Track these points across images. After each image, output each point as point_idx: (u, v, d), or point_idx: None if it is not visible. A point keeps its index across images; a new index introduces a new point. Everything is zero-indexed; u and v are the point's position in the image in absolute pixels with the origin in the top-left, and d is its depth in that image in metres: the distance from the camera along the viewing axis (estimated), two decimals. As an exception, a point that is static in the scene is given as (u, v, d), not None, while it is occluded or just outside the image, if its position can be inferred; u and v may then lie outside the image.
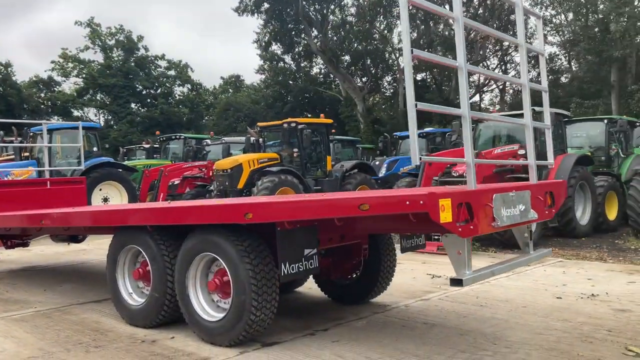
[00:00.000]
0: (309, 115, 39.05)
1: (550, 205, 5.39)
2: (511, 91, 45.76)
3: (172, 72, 53.57)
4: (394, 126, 38.17)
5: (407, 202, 3.84)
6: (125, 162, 20.51)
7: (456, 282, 4.17)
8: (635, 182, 11.89)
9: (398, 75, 43.26)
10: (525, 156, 11.34)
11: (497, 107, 33.77)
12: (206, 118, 54.98)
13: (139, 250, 6.12)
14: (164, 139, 22.59)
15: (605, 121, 14.95)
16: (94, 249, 12.54)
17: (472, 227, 4.15)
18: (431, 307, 6.54)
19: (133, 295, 6.23)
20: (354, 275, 6.64)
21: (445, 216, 3.85)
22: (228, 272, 5.15)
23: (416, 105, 3.93)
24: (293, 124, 16.17)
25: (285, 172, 15.42)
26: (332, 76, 48.03)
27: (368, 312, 6.36)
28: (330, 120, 17.45)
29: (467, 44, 39.69)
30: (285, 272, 4.95)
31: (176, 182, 17.98)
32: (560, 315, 5.98)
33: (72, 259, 11.29)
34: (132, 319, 6.08)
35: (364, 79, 45.86)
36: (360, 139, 28.69)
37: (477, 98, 47.40)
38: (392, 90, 46.91)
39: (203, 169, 18.29)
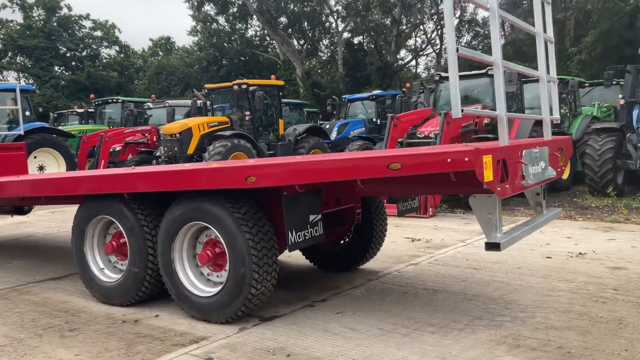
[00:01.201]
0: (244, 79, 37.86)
1: (561, 163, 5.15)
2: (445, 56, 46.18)
3: (98, 33, 50.56)
4: (333, 90, 37.75)
5: (449, 160, 3.44)
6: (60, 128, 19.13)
7: (493, 246, 3.85)
8: (591, 142, 12.04)
9: (336, 39, 42.69)
10: (488, 117, 11.26)
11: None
12: (136, 82, 52.57)
13: (111, 221, 5.48)
14: (100, 102, 21.21)
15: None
16: (35, 221, 11.59)
17: (507, 186, 3.82)
18: (424, 271, 6.27)
19: (105, 271, 5.60)
20: (343, 242, 6.25)
21: (488, 174, 3.49)
22: (223, 243, 4.64)
23: (457, 50, 3.49)
24: (244, 86, 15.46)
25: (238, 136, 14.77)
26: (268, 39, 46.86)
27: (361, 279, 6.01)
28: (281, 82, 16.86)
29: (405, 6, 39.68)
30: (293, 240, 4.49)
31: (117, 149, 16.96)
32: (559, 276, 5.84)
33: (15, 233, 10.34)
34: (106, 297, 5.47)
35: (301, 42, 44.99)
36: (307, 102, 28.07)
37: (413, 62, 47.66)
38: (329, 54, 46.34)
39: (146, 134, 17.33)
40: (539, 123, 12.45)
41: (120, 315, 5.15)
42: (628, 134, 11.91)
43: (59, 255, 8.01)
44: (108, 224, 5.61)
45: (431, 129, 10.97)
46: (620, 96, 13.14)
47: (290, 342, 4.28)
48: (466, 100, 13.02)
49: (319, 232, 4.74)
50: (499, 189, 3.66)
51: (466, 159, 3.38)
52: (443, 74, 12.86)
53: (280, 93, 17.12)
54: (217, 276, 4.90)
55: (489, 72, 11.79)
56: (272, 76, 17.28)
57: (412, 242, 7.91)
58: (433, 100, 12.89)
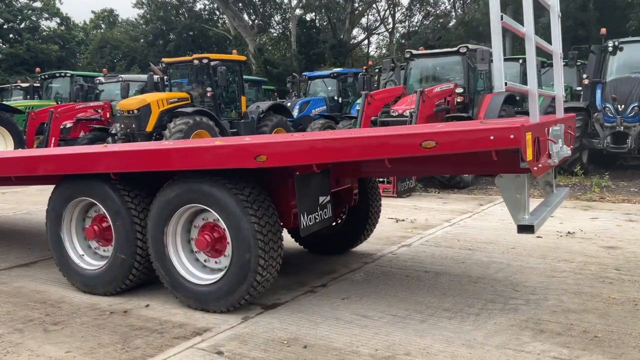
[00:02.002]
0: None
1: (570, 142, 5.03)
2: (397, 35, 46.27)
3: (37, 4, 47.99)
4: (286, 67, 37.15)
5: (492, 137, 3.21)
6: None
7: (526, 228, 3.67)
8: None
9: (288, 15, 41.97)
10: (461, 95, 11.18)
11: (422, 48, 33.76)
12: (78, 56, 50.31)
13: (91, 203, 5.04)
14: (46, 76, 20.00)
15: (520, 61, 15.15)
16: (-14, 203, 10.82)
17: (540, 165, 3.63)
18: (419, 253, 6.09)
19: (85, 257, 5.16)
20: (336, 224, 5.99)
21: (529, 153, 3.29)
22: (224, 228, 4.30)
23: (502, 17, 3.23)
24: (205, 61, 14.85)
25: (199, 113, 14.20)
26: (218, 13, 45.66)
27: (357, 262, 5.78)
28: (243, 58, 16.33)
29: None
30: (305, 224, 4.20)
31: (68, 125, 16.05)
32: (556, 256, 5.77)
33: (-35, 216, 9.60)
34: (88, 285, 5.03)
35: (252, 17, 44.03)
36: (266, 79, 27.46)
37: (366, 42, 47.49)
38: (281, 31, 45.56)
39: (99, 110, 16.48)
40: (507, 101, 12.51)
41: (106, 306, 4.74)
42: (595, 114, 12.07)
43: (22, 239, 7.45)
44: (88, 207, 5.15)
45: (405, 107, 10.78)
46: (584, 76, 13.33)
47: (302, 332, 4.00)
48: (435, 78, 12.91)
49: (328, 214, 4.47)
50: (535, 168, 3.47)
51: (511, 136, 3.15)
52: (414, 52, 12.67)
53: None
54: (216, 262, 4.56)
55: (461, 50, 11.67)
56: (234, 51, 16.73)
57: (396, 222, 7.73)
58: (404, 78, 12.69)
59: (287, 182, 4.59)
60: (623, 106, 11.59)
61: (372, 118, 11.01)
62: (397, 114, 10.85)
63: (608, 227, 7.04)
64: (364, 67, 20.39)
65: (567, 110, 12.21)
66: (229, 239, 4.43)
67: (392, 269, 5.53)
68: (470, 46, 11.90)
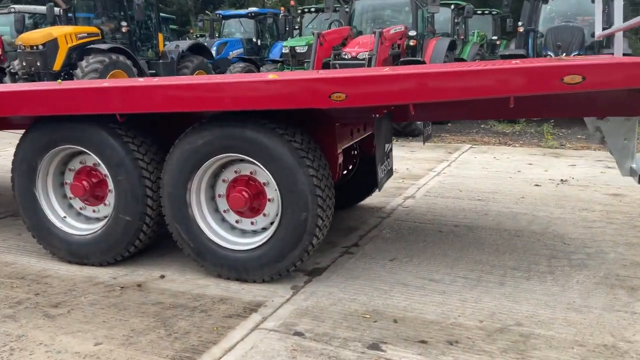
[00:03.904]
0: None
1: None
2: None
3: None
4: (181, 7, 34.96)
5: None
6: None
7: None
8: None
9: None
10: (413, 38, 10.74)
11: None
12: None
13: (76, 153, 4.05)
14: None
15: (452, 7, 14.97)
16: None
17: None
18: (431, 205, 5.65)
19: (68, 220, 4.17)
20: (347, 176, 5.37)
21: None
22: (274, 181, 3.55)
23: None
24: (119, -9, 13.21)
25: (116, 50, 12.70)
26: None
27: (372, 218, 5.23)
28: (161, -10, 14.68)
29: None
30: (380, 177, 3.55)
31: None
32: (574, 205, 5.57)
33: None
34: (76, 254, 4.08)
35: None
36: (174, 16, 25.36)
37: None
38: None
39: (-12, 46, 14.29)
40: (452, 47, 12.26)
41: (108, 279, 3.86)
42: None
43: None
44: (69, 157, 4.14)
45: (359, 49, 10.15)
46: (519, 23, 13.36)
47: (377, 303, 3.42)
48: (381, 21, 12.35)
49: (391, 164, 3.84)
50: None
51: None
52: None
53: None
54: (252, 223, 3.82)
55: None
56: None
57: (379, 171, 7.22)
58: (348, 18, 12.00)
59: (333, 127, 3.90)
60: (565, 54, 11.72)
61: (324, 60, 10.27)
62: (350, 56, 10.20)
63: (593, 174, 7.00)
64: (285, 7, 19.32)
65: (507, 57, 12.29)
66: (270, 196, 3.70)
67: (416, 223, 5.05)
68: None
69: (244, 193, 3.69)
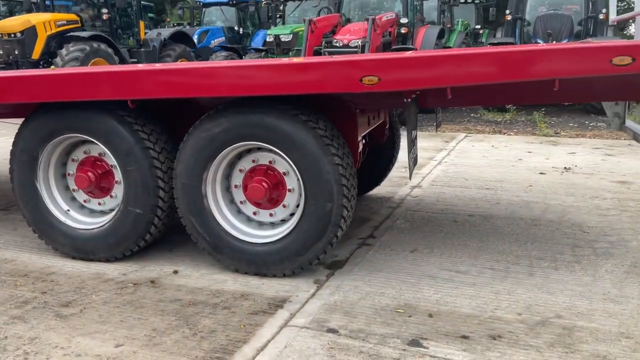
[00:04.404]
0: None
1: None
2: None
3: None
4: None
5: None
6: None
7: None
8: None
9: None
10: (405, 25, 10.60)
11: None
12: None
13: (80, 142, 3.82)
14: None
15: (438, -6, 14.84)
16: None
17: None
18: (439, 195, 5.53)
19: (71, 213, 3.94)
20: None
21: None
22: (296, 171, 3.37)
23: None
24: (99, -23, 12.80)
25: (96, 38, 12.29)
26: None
27: (382, 208, 5.09)
28: (142, -24, 14.30)
29: None
30: (410, 164, 3.39)
31: None
32: (583, 193, 5.49)
33: None
34: (82, 250, 3.86)
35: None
36: (152, 4, 24.75)
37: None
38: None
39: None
40: (441, 35, 12.15)
41: (117, 275, 3.65)
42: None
43: None
44: (72, 147, 3.90)
45: (350, 37, 9.98)
46: (507, 11, 13.31)
47: (408, 297, 3.28)
48: (370, 9, 12.18)
49: (416, 152, 3.69)
50: None
51: None
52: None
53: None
54: (271, 215, 3.63)
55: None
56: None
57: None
58: (337, 5, 11.80)
59: (354, 113, 3.74)
60: (555, 42, 11.71)
61: (315, 48, 10.07)
62: (341, 44, 10.01)
63: (595, 161, 6.96)
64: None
65: (496, 44, 12.22)
66: (291, 186, 3.53)
67: (428, 213, 4.92)
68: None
69: (263, 183, 3.50)
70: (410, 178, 3.67)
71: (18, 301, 3.30)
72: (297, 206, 3.57)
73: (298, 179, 3.42)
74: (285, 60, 3.28)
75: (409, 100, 3.20)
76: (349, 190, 3.39)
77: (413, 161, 3.79)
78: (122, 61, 13.01)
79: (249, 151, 3.59)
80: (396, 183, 5.92)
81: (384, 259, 3.87)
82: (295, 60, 3.15)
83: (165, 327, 2.99)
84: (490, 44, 12.65)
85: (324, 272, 3.65)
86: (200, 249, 3.70)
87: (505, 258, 3.85)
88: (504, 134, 9.30)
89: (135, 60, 13.63)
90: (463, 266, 3.72)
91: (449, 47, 14.27)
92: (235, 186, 3.65)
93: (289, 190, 3.55)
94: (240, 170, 3.62)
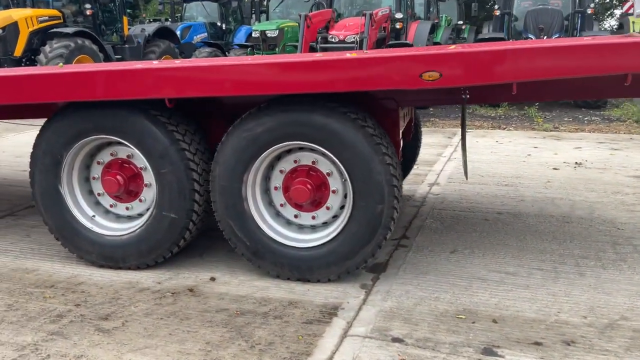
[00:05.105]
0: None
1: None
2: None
3: None
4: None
5: None
6: None
7: None
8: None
9: None
10: (400, 20, 10.49)
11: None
12: None
13: (105, 144, 3.61)
14: None
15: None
16: None
17: None
18: (461, 192, 5.43)
19: (97, 219, 3.72)
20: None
21: None
22: (345, 171, 3.22)
23: None
24: (82, -29, 12.40)
25: (81, 34, 11.90)
26: None
27: (406, 207, 4.96)
28: (125, -31, 13.92)
29: None
30: (466, 162, 3.27)
31: None
32: (602, 188, 5.45)
33: None
34: (111, 258, 3.64)
35: None
36: (131, 0, 24.19)
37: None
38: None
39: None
40: (431, 30, 12.09)
41: (152, 284, 3.45)
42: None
43: None
44: (96, 150, 3.68)
45: (346, 32, 9.83)
46: (496, 7, 13.32)
47: (464, 301, 3.16)
48: (360, 4, 12.05)
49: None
50: None
51: None
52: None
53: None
54: (313, 218, 3.48)
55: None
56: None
57: (388, 158, 6.97)
58: (329, 0, 11.63)
59: (397, 111, 3.60)
60: (546, 37, 11.74)
61: (310, 43, 9.90)
62: (337, 39, 9.86)
63: (603, 156, 6.95)
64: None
65: (487, 40, 12.22)
66: (334, 187, 3.38)
67: (455, 211, 4.81)
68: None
69: (307, 185, 3.34)
70: (466, 177, 3.54)
71: (52, 315, 3.08)
72: (341, 208, 3.43)
73: (345, 180, 3.28)
74: (336, 55, 3.11)
75: (468, 96, 3.07)
76: (399, 191, 3.26)
77: (464, 160, 3.67)
78: (107, 58, 12.64)
79: (289, 151, 3.42)
80: (412, 181, 5.81)
81: (426, 261, 3.75)
82: (349, 55, 3.00)
83: (218, 339, 2.82)
84: (479, 39, 12.60)
85: (368, 276, 3.51)
86: (239, 255, 3.52)
87: (550, 258, 3.76)
88: (504, 129, 9.27)
89: (120, 56, 13.26)
90: (510, 267, 3.62)
91: (438, 43, 14.25)
92: (275, 188, 3.49)
93: (333, 192, 3.40)
94: (281, 171, 3.45)
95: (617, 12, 27.27)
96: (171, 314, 3.09)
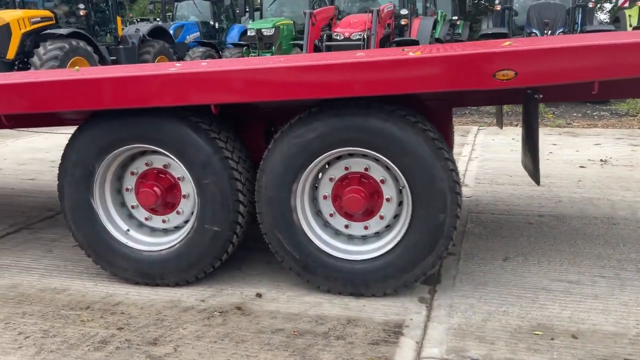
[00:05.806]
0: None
1: None
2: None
3: None
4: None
5: None
6: None
7: None
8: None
9: None
10: (405, 16, 10.31)
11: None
12: None
13: (140, 153, 3.37)
14: None
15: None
16: None
17: None
18: (493, 194, 5.26)
19: (131, 233, 3.48)
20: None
21: None
22: (403, 178, 3.02)
23: None
24: (75, -29, 12.08)
25: (75, 36, 11.60)
26: None
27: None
28: (118, -31, 13.60)
29: None
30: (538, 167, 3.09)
31: None
32: (635, 186, 5.31)
33: None
34: (147, 274, 3.40)
35: None
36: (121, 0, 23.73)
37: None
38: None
39: None
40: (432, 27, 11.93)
41: (195, 302, 3.23)
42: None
43: None
44: (129, 160, 3.44)
45: (351, 30, 9.63)
46: (497, 2, 13.19)
47: (536, 315, 2.97)
48: (362, 1, 11.85)
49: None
50: None
51: None
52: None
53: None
54: (365, 228, 3.27)
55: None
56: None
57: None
58: (331, -3, 11.43)
59: (450, 112, 3.42)
60: (550, 32, 11.62)
61: (314, 41, 9.68)
62: (342, 37, 9.65)
63: (626, 152, 6.82)
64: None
65: (490, 36, 12.08)
66: (388, 195, 3.18)
67: (494, 215, 4.64)
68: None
69: (361, 193, 3.13)
70: (538, 183, 3.36)
71: (95, 341, 2.85)
72: (395, 217, 3.23)
73: (403, 187, 3.08)
74: (398, 54, 2.90)
75: (540, 96, 2.88)
76: (460, 198, 3.06)
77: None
78: (102, 59, 12.35)
79: (338, 158, 3.21)
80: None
81: (480, 270, 3.56)
82: (412, 54, 2.79)
83: (282, 365, 2.60)
84: (482, 35, 12.45)
85: (424, 288, 3.31)
86: (286, 269, 3.31)
87: (608, 263, 3.59)
88: (516, 125, 9.10)
89: (115, 58, 12.96)
90: (571, 275, 3.44)
91: (438, 39, 14.09)
92: (325, 197, 3.27)
93: (387, 200, 3.20)
94: (331, 179, 3.24)
95: (607, 5, 27.36)
96: (224, 336, 2.86)
